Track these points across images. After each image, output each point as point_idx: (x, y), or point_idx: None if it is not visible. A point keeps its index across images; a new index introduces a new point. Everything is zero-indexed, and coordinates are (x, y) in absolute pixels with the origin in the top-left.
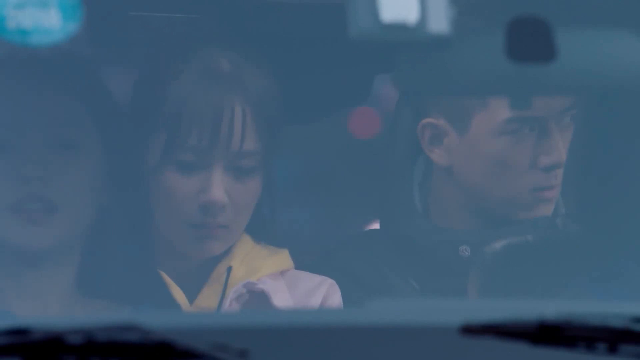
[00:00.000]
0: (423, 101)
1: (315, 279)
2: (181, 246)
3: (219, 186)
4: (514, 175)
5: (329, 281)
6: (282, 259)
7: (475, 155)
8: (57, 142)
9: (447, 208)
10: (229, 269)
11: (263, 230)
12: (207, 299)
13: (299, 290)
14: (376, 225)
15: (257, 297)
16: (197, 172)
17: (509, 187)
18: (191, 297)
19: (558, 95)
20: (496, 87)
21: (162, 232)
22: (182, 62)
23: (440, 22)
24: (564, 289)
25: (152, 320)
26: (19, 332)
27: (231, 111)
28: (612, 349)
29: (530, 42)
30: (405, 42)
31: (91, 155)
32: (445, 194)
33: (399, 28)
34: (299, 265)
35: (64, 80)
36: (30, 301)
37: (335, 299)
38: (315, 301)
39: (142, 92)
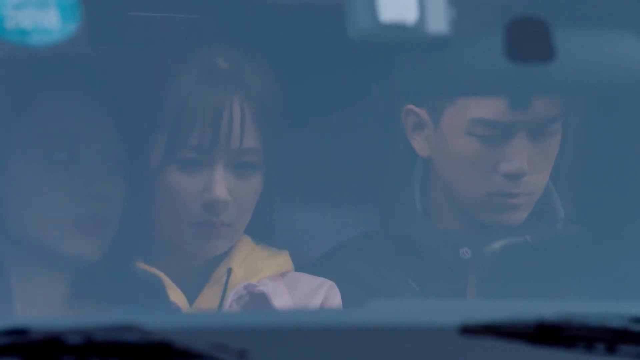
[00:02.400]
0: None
1: (315, 280)
2: (185, 245)
3: (221, 184)
4: (477, 177)
5: (329, 283)
6: (282, 260)
7: (446, 151)
8: (57, 145)
9: (445, 209)
10: (229, 270)
11: (263, 231)
12: (207, 300)
13: (298, 292)
14: (376, 227)
15: (257, 299)
16: (199, 171)
17: (473, 189)
18: (191, 298)
19: (553, 98)
20: (495, 88)
21: (165, 231)
22: (181, 62)
23: (439, 23)
24: (563, 289)
25: (152, 320)
26: (18, 332)
27: (231, 109)
28: (611, 349)
29: (528, 42)
30: (404, 42)
31: (93, 158)
32: (440, 193)
33: (398, 28)
34: (299, 266)
35: (62, 80)
36: (34, 300)
37: (335, 301)
38: (315, 303)
39: (142, 92)
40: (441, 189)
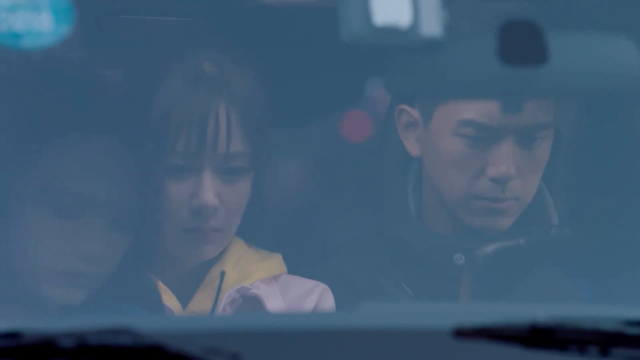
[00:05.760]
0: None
1: (308, 283)
2: (175, 250)
3: (210, 190)
4: (464, 179)
5: (322, 286)
6: (275, 263)
7: (435, 151)
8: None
9: (437, 211)
10: (222, 273)
11: (255, 234)
12: (201, 304)
13: (291, 295)
14: (369, 230)
15: (250, 302)
16: (187, 177)
17: (460, 191)
18: (184, 301)
19: (545, 103)
20: (488, 91)
21: (155, 236)
22: (168, 67)
23: (432, 26)
24: (556, 292)
25: (145, 323)
26: (12, 335)
27: (218, 114)
28: (604, 352)
29: (521, 45)
30: (397, 45)
31: (81, 164)
32: (431, 195)
33: (391, 31)
34: (292, 269)
35: (49, 84)
36: (26, 303)
37: (328, 304)
38: (308, 306)
39: (129, 99)
40: (432, 190)
